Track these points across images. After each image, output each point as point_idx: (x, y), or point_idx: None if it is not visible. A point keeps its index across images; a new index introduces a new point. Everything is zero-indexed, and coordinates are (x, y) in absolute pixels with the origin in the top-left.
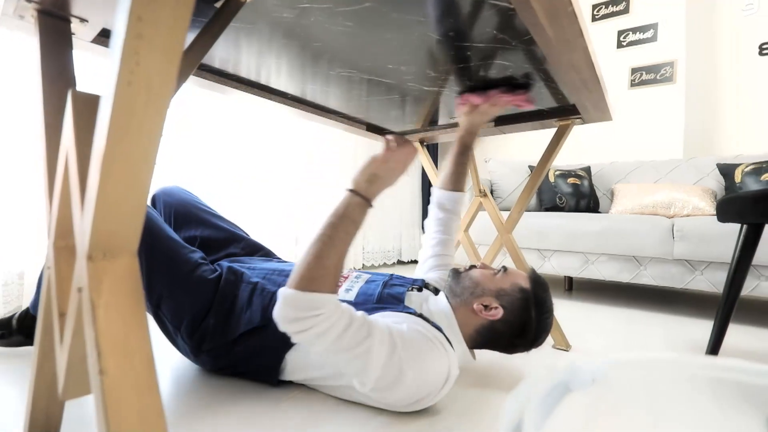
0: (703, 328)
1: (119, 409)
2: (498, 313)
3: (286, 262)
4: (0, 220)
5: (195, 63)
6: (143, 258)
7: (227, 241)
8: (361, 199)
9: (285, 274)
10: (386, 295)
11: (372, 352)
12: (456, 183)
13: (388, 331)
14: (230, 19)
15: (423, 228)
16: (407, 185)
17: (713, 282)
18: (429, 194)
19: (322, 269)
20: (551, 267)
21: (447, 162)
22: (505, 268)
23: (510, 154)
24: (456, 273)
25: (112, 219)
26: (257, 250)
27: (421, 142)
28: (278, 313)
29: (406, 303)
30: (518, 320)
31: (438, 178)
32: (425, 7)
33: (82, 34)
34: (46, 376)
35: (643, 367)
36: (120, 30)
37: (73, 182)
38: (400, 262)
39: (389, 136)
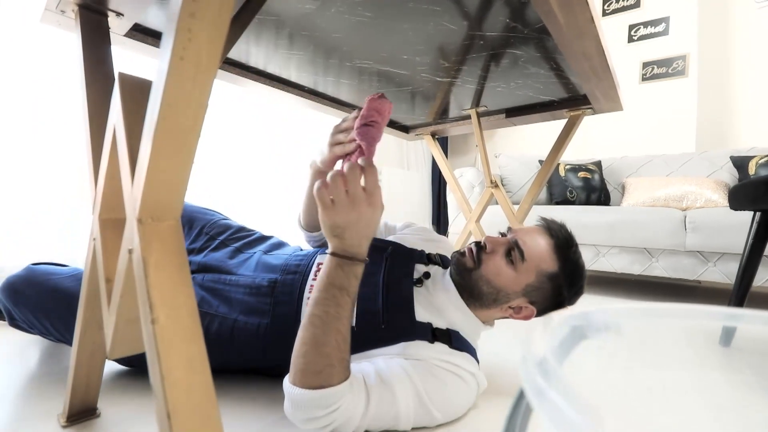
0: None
1: (170, 355)
2: (531, 313)
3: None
4: (11, 205)
5: (225, 52)
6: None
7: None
8: (339, 259)
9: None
10: (392, 306)
11: (400, 414)
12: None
13: (409, 381)
14: (258, 9)
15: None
16: (415, 180)
17: (726, 273)
18: (440, 187)
19: (325, 358)
20: None
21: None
22: (516, 242)
23: (520, 149)
24: (464, 269)
25: (160, 186)
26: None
27: (433, 135)
28: (290, 415)
29: (417, 314)
30: (552, 303)
31: (304, 217)
32: None
33: (116, 28)
34: (87, 344)
35: (655, 316)
36: (175, 9)
37: (123, 156)
38: None
39: (333, 146)
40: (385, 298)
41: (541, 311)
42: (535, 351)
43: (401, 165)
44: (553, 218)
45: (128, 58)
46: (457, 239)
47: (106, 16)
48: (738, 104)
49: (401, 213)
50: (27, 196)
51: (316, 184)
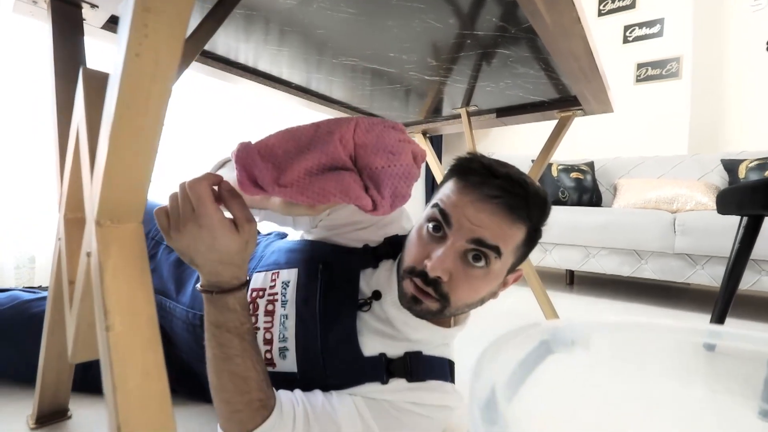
0: (704, 322)
1: (124, 364)
2: (518, 275)
3: None
4: (12, 204)
5: (199, 48)
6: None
7: None
8: (205, 294)
9: None
10: (332, 346)
11: None
12: None
13: (360, 421)
14: (235, 4)
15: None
16: None
17: (714, 276)
18: (434, 186)
19: (227, 405)
20: (552, 260)
21: None
22: (483, 241)
23: (514, 148)
24: (431, 313)
25: (119, 187)
26: None
27: (424, 133)
28: None
29: (365, 346)
30: (530, 251)
31: None
32: None
33: (92, 20)
34: (55, 345)
35: (623, 330)
36: (129, 3)
37: (84, 155)
38: None
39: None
40: (324, 337)
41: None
42: (482, 386)
43: None
44: (463, 158)
45: (110, 51)
46: None
47: (80, 7)
48: (730, 107)
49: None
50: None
51: (156, 209)
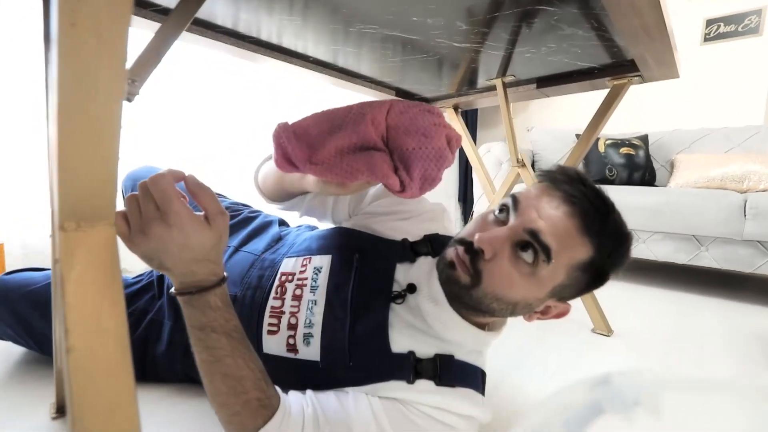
0: None
1: (86, 393)
2: (566, 309)
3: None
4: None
5: (189, 16)
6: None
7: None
8: (181, 296)
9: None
10: (360, 337)
11: None
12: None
13: (376, 427)
14: None
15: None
16: None
17: None
18: (467, 162)
19: (225, 408)
20: None
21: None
22: (536, 233)
23: (556, 121)
24: (459, 286)
25: (79, 184)
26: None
27: (455, 108)
28: None
29: (395, 342)
30: (591, 287)
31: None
32: None
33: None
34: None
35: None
36: None
37: (52, 147)
38: None
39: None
40: (352, 326)
41: (577, 296)
42: None
43: None
44: (565, 169)
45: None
46: None
47: None
48: None
49: (437, 210)
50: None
51: (119, 215)
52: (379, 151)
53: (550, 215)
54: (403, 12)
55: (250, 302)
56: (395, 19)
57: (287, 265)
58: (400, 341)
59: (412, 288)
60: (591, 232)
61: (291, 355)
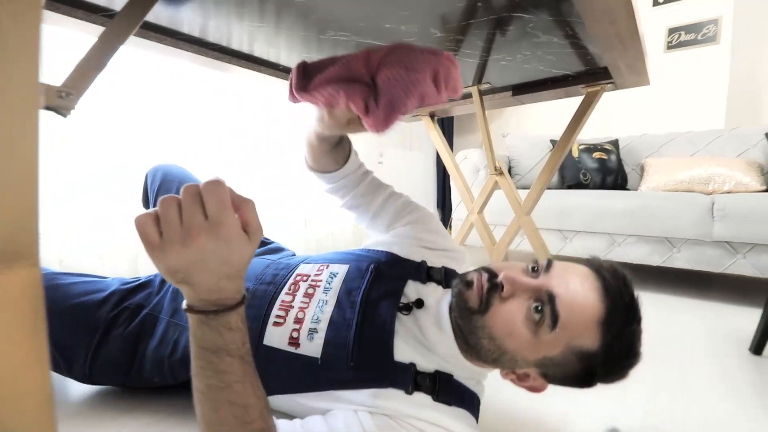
0: (745, 316)
1: None
2: (542, 387)
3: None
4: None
5: (135, 21)
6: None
7: None
8: (199, 315)
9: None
10: (366, 339)
11: None
12: (334, 161)
13: None
14: None
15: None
16: (419, 161)
17: (758, 266)
18: (445, 169)
19: None
20: (573, 249)
21: (311, 146)
22: (553, 297)
23: (530, 128)
24: (465, 307)
25: None
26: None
27: (431, 115)
28: None
29: (398, 352)
30: (575, 382)
31: (308, 157)
32: None
33: None
34: None
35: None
36: None
37: None
38: None
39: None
40: (359, 328)
41: (557, 383)
42: None
43: (404, 145)
44: (613, 264)
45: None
46: (458, 231)
47: None
48: None
49: (461, 252)
50: None
51: (138, 217)
52: (361, 83)
53: (577, 290)
54: (376, 19)
55: (262, 294)
56: (368, 26)
57: (304, 268)
58: (403, 351)
59: (420, 303)
60: (607, 328)
61: (291, 349)
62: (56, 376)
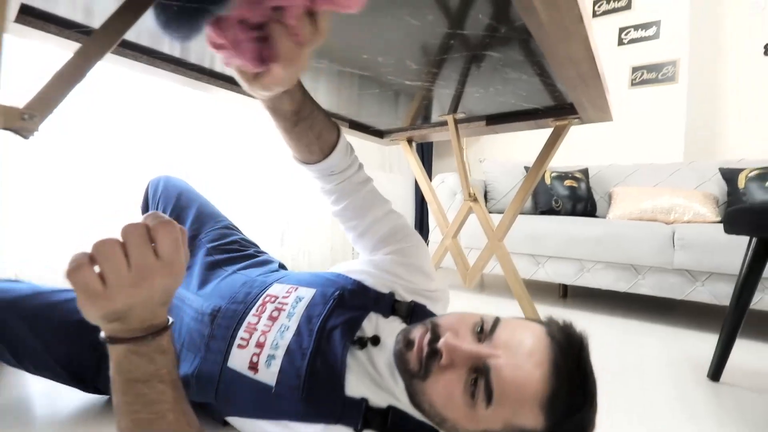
0: (704, 341)
1: None
2: None
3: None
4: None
5: (113, 40)
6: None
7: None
8: (129, 345)
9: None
10: (317, 373)
11: None
12: (313, 151)
13: None
14: None
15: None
16: (398, 183)
17: (715, 294)
18: (423, 204)
19: None
20: (545, 274)
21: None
22: (488, 371)
23: (506, 154)
24: (405, 369)
25: None
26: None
27: (409, 140)
28: None
29: (349, 386)
30: None
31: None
32: None
33: None
34: None
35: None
36: None
37: None
38: None
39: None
40: (312, 358)
41: None
42: None
43: (383, 167)
44: (571, 325)
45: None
46: (433, 254)
47: None
48: (728, 113)
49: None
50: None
51: (69, 265)
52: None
53: (520, 365)
54: (355, 49)
55: (232, 314)
56: (347, 56)
57: (275, 288)
58: (355, 386)
59: (375, 340)
60: (552, 411)
61: (250, 374)
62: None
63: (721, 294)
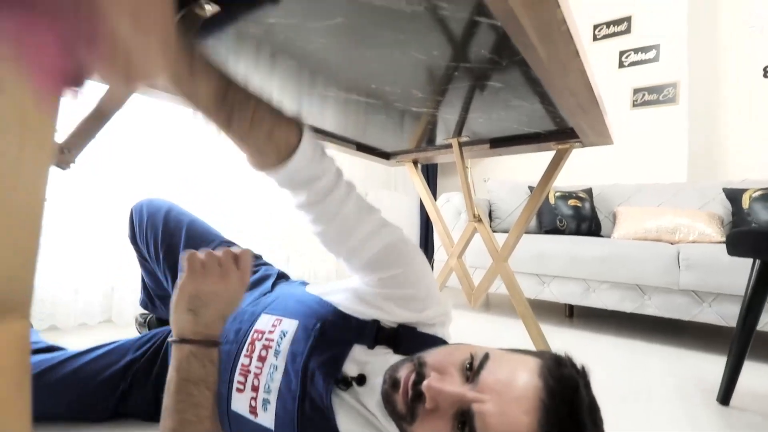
0: (713, 363)
1: None
2: None
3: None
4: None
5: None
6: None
7: None
8: (191, 346)
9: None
10: (309, 410)
11: None
12: (265, 153)
13: None
14: (189, 35)
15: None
16: (403, 202)
17: (722, 315)
18: (428, 224)
19: None
20: (551, 293)
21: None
22: (472, 415)
23: (510, 174)
24: (392, 411)
25: None
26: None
27: (415, 162)
28: None
29: (339, 418)
30: None
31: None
32: (404, 24)
33: None
34: None
35: None
36: None
37: None
38: None
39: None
40: (301, 403)
41: None
42: None
43: (388, 186)
44: (569, 360)
45: None
46: (438, 273)
47: None
48: (729, 133)
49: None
50: None
51: (188, 251)
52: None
53: (506, 412)
54: (364, 79)
55: (226, 356)
56: (356, 86)
57: (262, 321)
58: (348, 426)
59: (361, 380)
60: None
61: (252, 417)
62: None
63: (729, 315)
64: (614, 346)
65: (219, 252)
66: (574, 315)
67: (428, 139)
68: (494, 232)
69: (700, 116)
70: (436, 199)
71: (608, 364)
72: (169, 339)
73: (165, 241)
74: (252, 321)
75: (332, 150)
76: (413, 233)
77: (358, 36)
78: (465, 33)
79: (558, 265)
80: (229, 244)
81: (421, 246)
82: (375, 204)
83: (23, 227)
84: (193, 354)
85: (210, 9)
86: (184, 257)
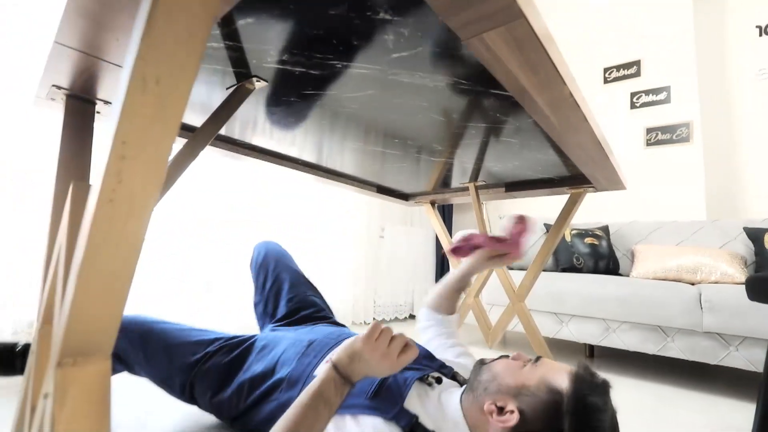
0: (743, 410)
1: None
2: (510, 419)
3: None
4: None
5: (204, 143)
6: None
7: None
8: (338, 375)
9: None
10: (386, 389)
11: None
12: (449, 308)
13: None
14: (238, 106)
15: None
16: (420, 237)
17: (751, 360)
18: (444, 262)
19: None
20: (569, 333)
21: (443, 286)
22: (539, 358)
23: (525, 212)
24: (479, 364)
25: (85, 328)
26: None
27: (432, 203)
28: None
29: (408, 402)
30: (544, 424)
31: (430, 297)
32: (427, 94)
33: (107, 114)
34: None
35: None
36: (106, 150)
37: (60, 276)
38: (412, 317)
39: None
40: (379, 384)
41: (528, 424)
42: None
43: (404, 222)
44: (594, 371)
45: None
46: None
47: (94, 104)
48: (746, 173)
49: (403, 272)
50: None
51: (380, 326)
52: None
53: (554, 366)
54: (388, 136)
55: (324, 345)
56: (381, 140)
57: (320, 369)
58: (413, 404)
59: (439, 380)
60: (576, 379)
61: None
62: None
63: (757, 360)
64: (638, 389)
65: (396, 334)
66: (594, 355)
67: (444, 183)
68: (510, 269)
69: (715, 155)
70: (451, 235)
71: (633, 409)
72: (330, 357)
73: (273, 287)
74: (308, 366)
75: (353, 191)
76: (429, 269)
77: (386, 104)
78: (482, 101)
79: (576, 303)
80: (315, 295)
81: (436, 280)
82: (393, 238)
83: (117, 294)
84: (336, 381)
85: (259, 84)
86: (374, 323)
